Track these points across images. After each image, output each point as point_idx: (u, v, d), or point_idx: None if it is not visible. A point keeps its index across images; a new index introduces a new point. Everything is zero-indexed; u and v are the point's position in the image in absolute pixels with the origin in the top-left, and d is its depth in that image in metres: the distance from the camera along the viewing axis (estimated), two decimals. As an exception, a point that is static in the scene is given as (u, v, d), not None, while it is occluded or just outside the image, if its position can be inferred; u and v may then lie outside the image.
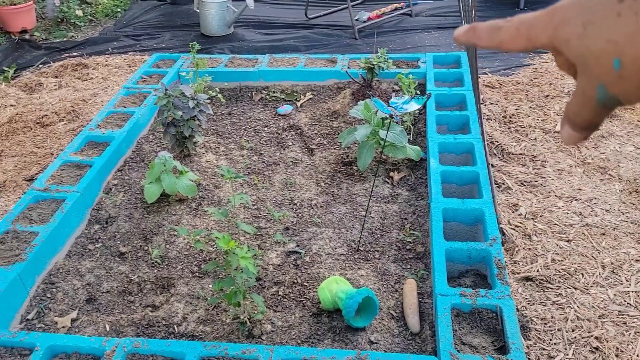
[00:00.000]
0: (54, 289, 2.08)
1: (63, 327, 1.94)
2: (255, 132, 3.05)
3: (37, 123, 3.33)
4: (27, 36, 4.83)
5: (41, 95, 3.72)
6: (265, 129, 3.08)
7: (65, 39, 4.86)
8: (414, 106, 1.88)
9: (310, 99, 3.32)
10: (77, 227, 2.33)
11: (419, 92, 2.81)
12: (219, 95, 2.99)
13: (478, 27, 0.51)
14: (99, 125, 2.83)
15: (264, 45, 4.51)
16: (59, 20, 5.14)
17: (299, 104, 3.28)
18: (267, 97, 3.36)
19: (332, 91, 3.34)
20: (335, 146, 2.87)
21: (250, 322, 1.86)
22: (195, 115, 2.63)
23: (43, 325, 1.94)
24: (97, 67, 4.13)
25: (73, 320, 1.97)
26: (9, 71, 4.12)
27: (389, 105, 1.97)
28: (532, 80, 3.60)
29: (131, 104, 3.07)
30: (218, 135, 3.02)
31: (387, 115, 1.95)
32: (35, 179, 2.47)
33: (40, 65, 4.30)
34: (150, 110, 3.06)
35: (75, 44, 4.67)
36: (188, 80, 3.31)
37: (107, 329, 1.92)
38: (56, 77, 4.00)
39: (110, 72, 4.05)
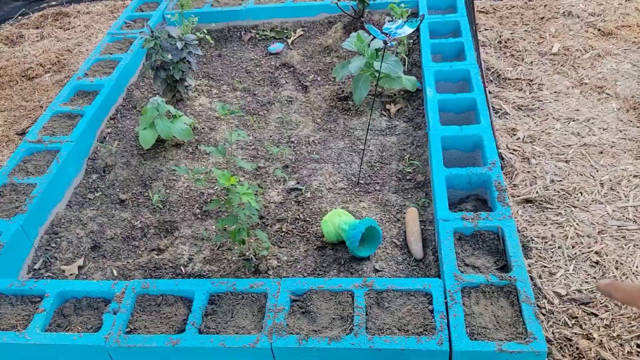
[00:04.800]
0: (57, 239, 2.09)
1: (71, 274, 1.96)
2: (247, 73, 2.99)
3: (23, 76, 3.25)
4: (2, -12, 4.65)
5: (24, 47, 3.62)
6: (257, 68, 3.02)
7: (42, -11, 4.68)
8: (407, 30, 1.83)
9: (301, 35, 3.23)
10: (74, 177, 2.32)
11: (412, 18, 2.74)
12: (207, 37, 2.91)
13: (619, 287, 0.71)
14: (86, 74, 2.77)
15: (249, -17, 4.36)
16: (34, -31, 4.94)
17: (289, 41, 3.20)
18: (257, 36, 3.27)
19: (323, 26, 3.26)
20: (330, 82, 2.82)
21: (256, 259, 1.88)
22: (185, 57, 2.57)
23: (51, 274, 1.97)
24: (78, 16, 4.00)
25: (80, 268, 1.99)
26: (-13, 25, 3.99)
27: (382, 32, 1.91)
28: (526, 3, 3.51)
29: (117, 51, 2.99)
30: (209, 77, 2.97)
31: (382, 42, 1.90)
32: (27, 132, 2.44)
33: (20, 17, 4.16)
34: (138, 55, 2.98)
35: (54, -7, 4.50)
36: (174, 22, 3.20)
37: (115, 274, 1.94)
38: (37, 28, 3.88)
39: (92, 19, 3.93)
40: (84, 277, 1.95)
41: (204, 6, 3.34)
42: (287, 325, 1.52)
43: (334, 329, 1.52)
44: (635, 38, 2.99)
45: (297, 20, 3.30)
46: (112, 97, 2.70)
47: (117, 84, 2.73)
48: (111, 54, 2.95)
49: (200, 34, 2.91)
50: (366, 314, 1.54)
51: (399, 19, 2.36)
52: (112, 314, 1.61)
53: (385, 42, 1.86)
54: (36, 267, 2.00)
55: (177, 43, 2.51)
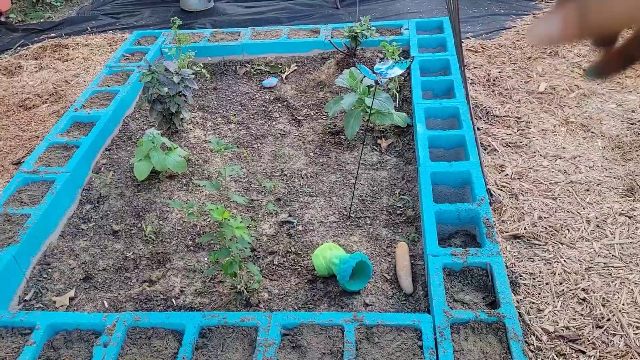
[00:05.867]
0: (49, 270, 2.10)
1: (61, 306, 1.96)
2: (241, 106, 3.04)
3: (20, 106, 3.29)
4: (2, 19, 4.73)
5: (22, 78, 3.67)
6: (252, 102, 3.07)
7: (42, 20, 4.76)
8: (397, 71, 1.89)
9: (295, 70, 3.31)
10: (68, 208, 2.34)
11: (402, 58, 2.82)
12: (204, 71, 2.97)
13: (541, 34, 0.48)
14: (83, 106, 2.81)
15: (245, 18, 4.47)
16: (35, 0, 5.03)
17: (284, 76, 3.27)
18: (252, 70, 3.34)
19: (316, 62, 3.33)
20: (323, 116, 2.88)
21: (247, 292, 1.89)
22: (181, 91, 2.62)
23: (41, 305, 1.97)
24: (77, 48, 4.07)
25: (71, 299, 1.99)
26: (-14, 55, 4.05)
27: (373, 72, 1.97)
28: (514, 42, 3.61)
29: (115, 83, 3.04)
30: (205, 110, 3.02)
31: (373, 82, 1.96)
32: (23, 162, 2.46)
33: (19, 48, 4.22)
34: (135, 88, 3.03)
35: (53, 25, 4.58)
36: (171, 56, 3.27)
37: (106, 305, 1.94)
38: (36, 59, 3.94)
39: (90, 51, 3.99)
40: (75, 308, 1.95)
41: (200, 41, 3.41)
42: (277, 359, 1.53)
43: (323, 363, 1.52)
44: (620, 79, 3.08)
45: (291, 55, 3.37)
46: (108, 129, 2.74)
47: (113, 115, 2.77)
48: (109, 86, 3.00)
49: (197, 67, 2.97)
50: (356, 349, 1.55)
51: (390, 58, 2.43)
52: (102, 346, 1.61)
53: (376, 82, 1.92)
54: (27, 298, 1.99)
55: (173, 77, 2.56)
